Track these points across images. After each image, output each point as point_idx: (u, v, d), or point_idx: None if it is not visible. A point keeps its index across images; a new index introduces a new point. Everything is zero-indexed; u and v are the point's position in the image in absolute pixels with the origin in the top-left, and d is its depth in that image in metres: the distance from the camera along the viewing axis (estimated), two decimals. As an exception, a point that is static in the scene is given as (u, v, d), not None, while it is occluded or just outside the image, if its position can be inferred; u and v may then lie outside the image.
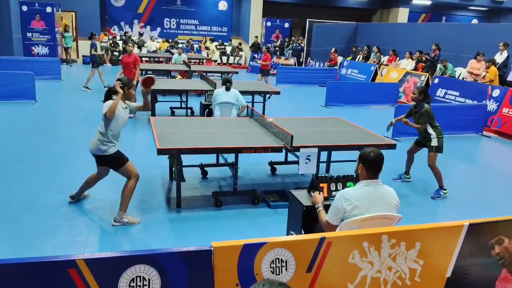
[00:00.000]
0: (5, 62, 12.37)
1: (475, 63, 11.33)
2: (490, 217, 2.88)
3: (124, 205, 4.36)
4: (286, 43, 20.57)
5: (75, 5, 18.06)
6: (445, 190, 5.61)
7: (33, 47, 16.22)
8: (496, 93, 9.91)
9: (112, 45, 18.47)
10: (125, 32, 20.19)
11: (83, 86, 12.15)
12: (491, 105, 9.86)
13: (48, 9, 16.19)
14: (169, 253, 2.17)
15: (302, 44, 20.07)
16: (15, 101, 9.83)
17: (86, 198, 4.93)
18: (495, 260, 2.83)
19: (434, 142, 5.52)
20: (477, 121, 9.45)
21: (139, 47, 19.26)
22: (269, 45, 19.29)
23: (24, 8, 15.86)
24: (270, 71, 14.46)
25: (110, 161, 4.34)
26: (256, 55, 19.48)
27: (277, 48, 20.36)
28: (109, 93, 4.37)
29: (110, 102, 4.22)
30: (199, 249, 2.21)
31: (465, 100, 10.69)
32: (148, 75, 5.06)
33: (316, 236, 2.44)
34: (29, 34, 16.12)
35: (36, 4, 16.07)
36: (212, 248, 2.21)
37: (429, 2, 23.31)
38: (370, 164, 2.92)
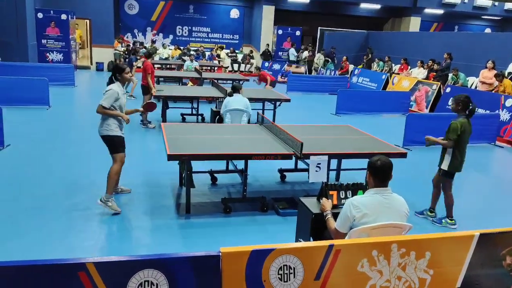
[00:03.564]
0: (20, 68, 12.56)
1: (486, 72, 11.24)
2: (501, 228, 2.84)
3: (110, 188, 4.72)
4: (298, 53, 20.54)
5: (89, 13, 18.31)
6: (451, 220, 5.07)
7: (47, 54, 16.47)
8: (509, 103, 9.80)
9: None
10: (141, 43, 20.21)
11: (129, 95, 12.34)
12: (504, 115, 9.75)
13: (63, 16, 16.44)
14: (177, 258, 2.18)
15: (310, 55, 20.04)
16: (29, 106, 9.99)
17: (125, 192, 5.29)
18: (506, 271, 2.79)
19: (444, 166, 4.88)
20: (490, 131, 9.35)
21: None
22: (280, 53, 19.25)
23: (40, 15, 16.13)
24: (276, 81, 13.74)
25: (110, 142, 4.74)
26: (267, 63, 19.54)
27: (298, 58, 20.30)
28: (111, 79, 4.87)
29: (111, 90, 4.66)
30: (207, 254, 2.21)
31: (477, 110, 10.58)
32: (151, 102, 5.34)
33: (325, 243, 2.43)
34: (44, 41, 16.37)
35: (51, 11, 16.33)
36: (220, 254, 2.22)
37: (441, 11, 23.21)
38: (377, 172, 2.91)
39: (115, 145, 4.75)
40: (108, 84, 4.83)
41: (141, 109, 5.26)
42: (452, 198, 5.01)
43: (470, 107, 4.85)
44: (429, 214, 5.21)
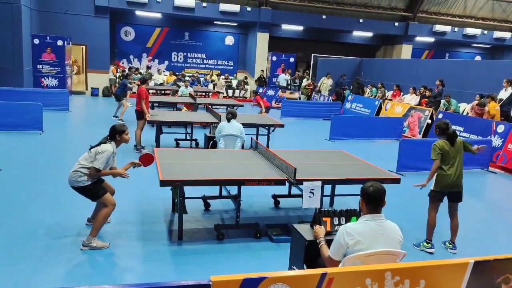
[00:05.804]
0: (15, 93, 12.59)
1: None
2: (496, 255, 2.81)
3: (95, 230, 4.46)
4: (292, 79, 20.79)
5: (86, 39, 18.49)
6: (428, 243, 4.96)
7: (42, 79, 16.53)
8: (500, 129, 9.91)
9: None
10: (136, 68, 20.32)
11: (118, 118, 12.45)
12: (496, 141, 9.83)
13: (59, 42, 16.58)
14: (166, 287, 2.13)
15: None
16: (22, 131, 9.94)
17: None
18: (502, 299, 2.74)
19: (432, 186, 4.94)
20: (483, 156, 9.39)
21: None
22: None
23: (36, 41, 16.26)
24: (270, 107, 15.52)
25: (86, 192, 4.50)
26: (261, 89, 19.74)
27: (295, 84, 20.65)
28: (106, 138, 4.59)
29: (107, 152, 4.41)
30: (197, 283, 2.16)
31: (469, 136, 10.68)
32: (149, 154, 4.84)
33: (317, 271, 2.38)
34: (39, 66, 16.46)
35: (48, 37, 16.49)
36: (211, 283, 2.16)
37: (432, 39, 23.71)
38: (370, 198, 2.90)
39: (92, 192, 4.48)
40: (101, 142, 4.53)
41: (138, 161, 4.74)
42: (432, 221, 4.95)
43: (448, 131, 5.05)
44: (448, 245, 5.10)
